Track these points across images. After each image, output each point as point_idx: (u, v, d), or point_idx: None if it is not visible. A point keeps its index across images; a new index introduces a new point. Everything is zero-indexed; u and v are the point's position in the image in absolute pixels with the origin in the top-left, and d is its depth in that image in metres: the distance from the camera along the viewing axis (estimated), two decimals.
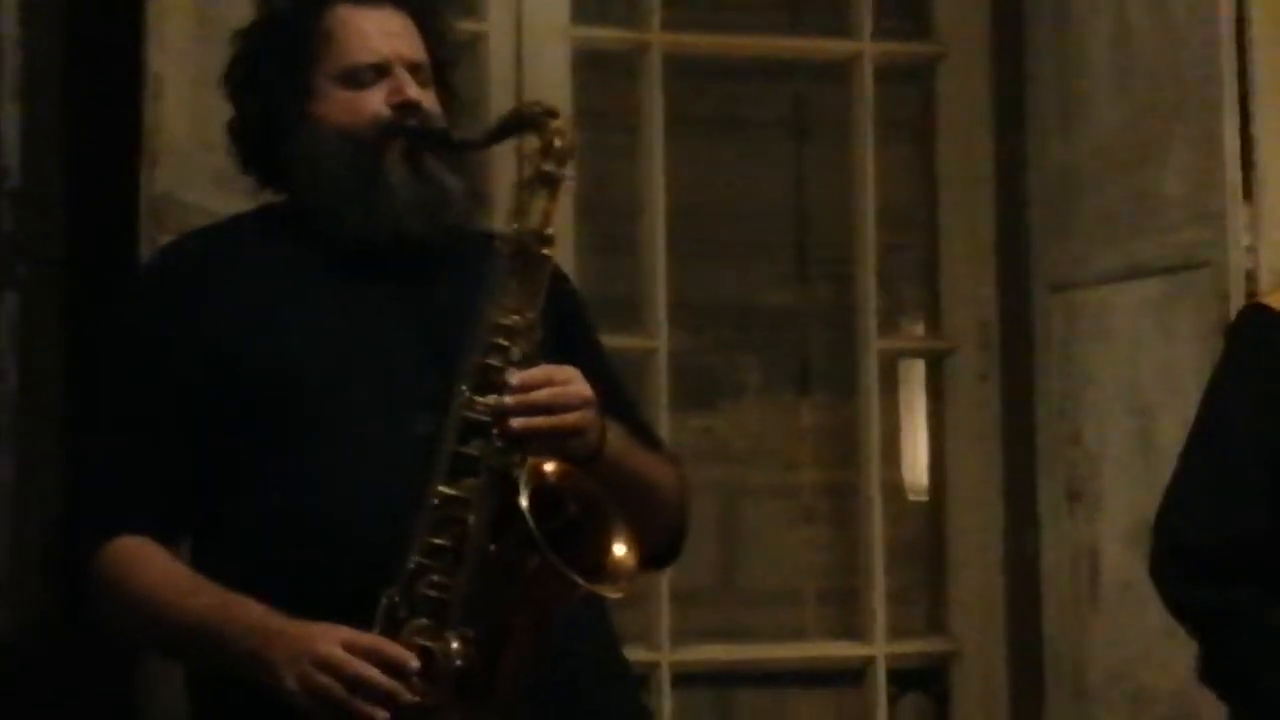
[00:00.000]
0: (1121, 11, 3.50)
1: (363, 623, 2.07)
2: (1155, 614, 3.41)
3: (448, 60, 2.35)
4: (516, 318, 2.13)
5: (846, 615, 3.79)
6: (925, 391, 3.88)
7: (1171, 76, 3.39)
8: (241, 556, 2.16)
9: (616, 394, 2.31)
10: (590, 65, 3.61)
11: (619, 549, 2.07)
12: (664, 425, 3.36)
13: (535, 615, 2.08)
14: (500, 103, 3.21)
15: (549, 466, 2.08)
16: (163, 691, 2.57)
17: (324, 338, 2.23)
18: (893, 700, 3.72)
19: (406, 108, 2.25)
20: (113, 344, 2.29)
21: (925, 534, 3.85)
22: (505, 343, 2.12)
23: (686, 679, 3.62)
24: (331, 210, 2.25)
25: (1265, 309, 2.55)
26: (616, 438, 2.19)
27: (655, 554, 2.31)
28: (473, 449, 2.09)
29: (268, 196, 2.37)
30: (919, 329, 3.92)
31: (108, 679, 2.62)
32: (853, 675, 3.73)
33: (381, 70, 2.27)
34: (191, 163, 2.67)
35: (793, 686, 3.84)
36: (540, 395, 2.10)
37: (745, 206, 3.91)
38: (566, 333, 2.27)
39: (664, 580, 3.50)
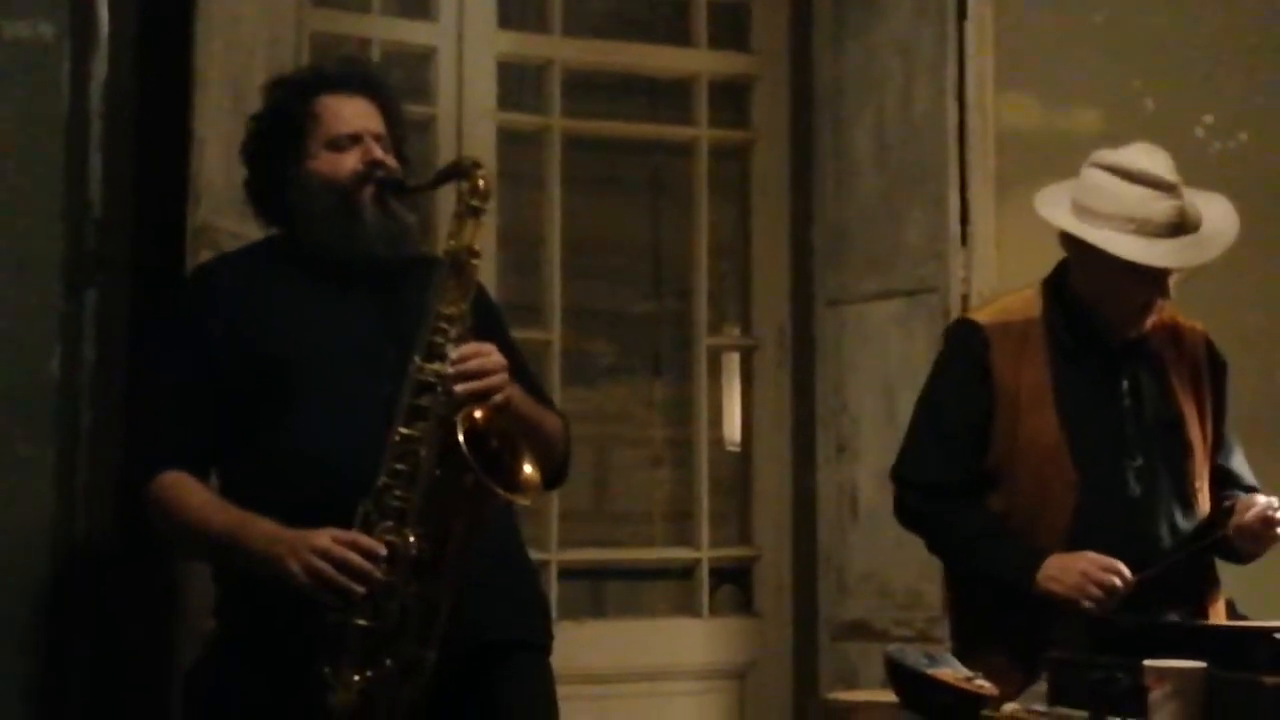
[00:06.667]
0: (879, 113, 3.56)
1: (345, 527, 2.08)
2: (894, 532, 3.48)
3: (402, 136, 2.37)
4: (454, 309, 2.16)
5: (682, 530, 3.81)
6: (740, 376, 3.90)
7: (913, 159, 3.48)
8: (255, 484, 2.19)
9: (519, 367, 2.33)
10: (510, 139, 3.64)
11: (527, 469, 2.08)
12: (556, 396, 3.29)
13: (469, 519, 2.08)
14: (446, 163, 3.17)
15: (477, 413, 2.09)
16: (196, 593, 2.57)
17: (313, 328, 2.24)
18: (713, 590, 3.76)
19: (375, 164, 2.28)
20: (165, 332, 2.32)
21: (738, 474, 3.87)
22: (446, 326, 2.15)
23: (569, 573, 3.65)
24: (320, 239, 2.26)
25: (970, 322, 2.59)
26: (520, 396, 2.23)
27: (547, 478, 2.32)
28: (424, 402, 2.12)
29: (273, 230, 2.39)
30: (736, 331, 3.92)
31: (164, 581, 2.61)
32: (686, 572, 3.77)
33: (356, 139, 2.29)
34: (224, 199, 2.67)
35: (645, 579, 3.83)
36: (473, 364, 2.13)
37: (617, 243, 3.89)
38: (486, 326, 2.29)
39: (554, 502, 3.56)
